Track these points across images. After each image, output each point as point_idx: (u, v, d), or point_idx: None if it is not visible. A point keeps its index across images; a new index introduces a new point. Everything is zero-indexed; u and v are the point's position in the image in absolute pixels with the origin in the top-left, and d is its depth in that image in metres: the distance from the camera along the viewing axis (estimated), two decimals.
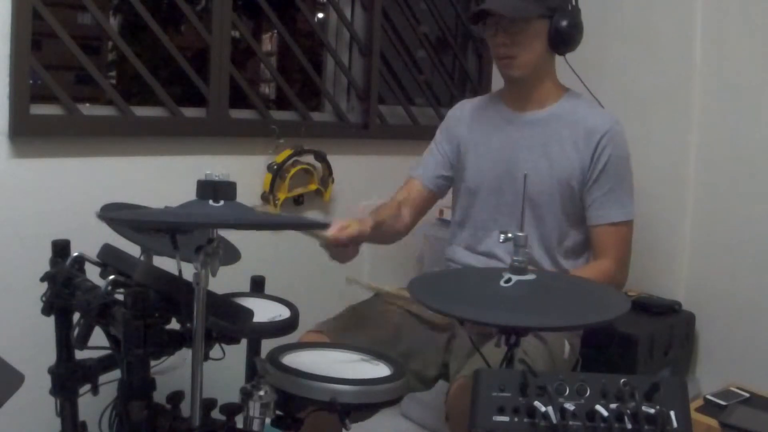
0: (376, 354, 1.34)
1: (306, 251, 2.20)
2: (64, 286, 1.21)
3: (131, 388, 1.06)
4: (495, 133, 1.72)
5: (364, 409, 1.20)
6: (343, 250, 1.48)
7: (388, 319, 1.62)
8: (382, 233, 1.65)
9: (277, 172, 2.12)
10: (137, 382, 1.06)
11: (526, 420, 0.91)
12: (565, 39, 1.61)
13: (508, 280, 1.11)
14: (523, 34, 1.58)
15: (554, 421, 0.90)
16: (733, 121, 2.08)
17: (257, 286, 1.60)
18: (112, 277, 1.15)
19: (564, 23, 1.59)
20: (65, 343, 1.24)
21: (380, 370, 1.27)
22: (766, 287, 2.00)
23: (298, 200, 2.21)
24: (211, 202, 1.06)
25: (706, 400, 1.70)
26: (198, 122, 2.02)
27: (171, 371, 1.16)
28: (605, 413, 0.90)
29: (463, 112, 1.82)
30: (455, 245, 1.78)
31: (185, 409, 1.10)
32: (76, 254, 1.26)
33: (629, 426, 0.90)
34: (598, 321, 1.06)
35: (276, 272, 1.73)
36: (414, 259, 2.49)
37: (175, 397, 1.13)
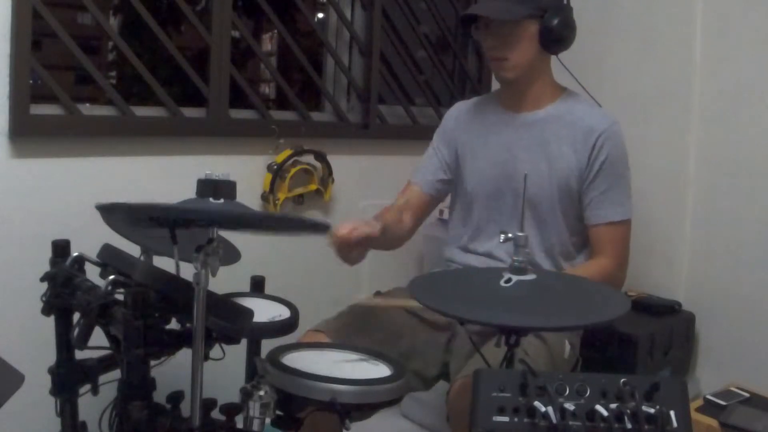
0: (376, 354, 1.34)
1: (306, 251, 2.22)
2: (64, 286, 1.21)
3: (131, 388, 1.06)
4: (492, 135, 1.71)
5: (364, 409, 1.20)
6: (349, 251, 1.47)
7: (389, 319, 1.62)
8: (386, 239, 1.63)
9: (277, 172, 2.12)
10: (137, 382, 1.06)
11: (526, 420, 0.91)
12: (556, 38, 1.59)
13: (508, 280, 1.11)
14: (512, 36, 1.58)
15: (554, 421, 0.90)
16: (733, 121, 2.08)
17: (257, 286, 1.60)
18: (112, 277, 1.15)
19: (555, 22, 1.57)
20: (65, 343, 1.24)
21: (380, 370, 1.27)
22: (766, 287, 2.00)
23: (298, 200, 2.21)
24: (211, 199, 1.06)
25: (706, 400, 1.70)
26: (198, 122, 2.02)
27: None
28: (605, 413, 0.90)
29: (459, 114, 1.81)
30: (454, 246, 1.78)
31: (185, 409, 1.10)
32: (76, 254, 1.26)
33: (629, 426, 0.90)
34: (598, 321, 1.06)
35: (276, 272, 1.73)
36: (414, 259, 2.49)
37: (175, 397, 1.13)
